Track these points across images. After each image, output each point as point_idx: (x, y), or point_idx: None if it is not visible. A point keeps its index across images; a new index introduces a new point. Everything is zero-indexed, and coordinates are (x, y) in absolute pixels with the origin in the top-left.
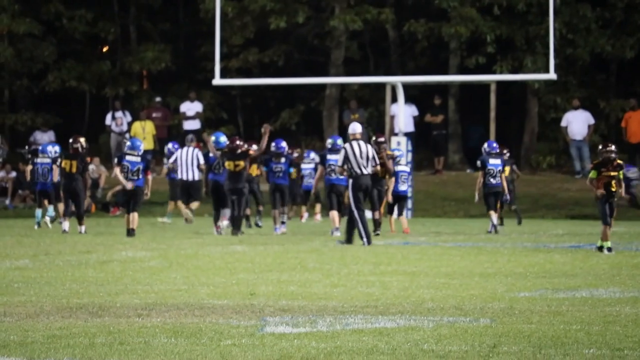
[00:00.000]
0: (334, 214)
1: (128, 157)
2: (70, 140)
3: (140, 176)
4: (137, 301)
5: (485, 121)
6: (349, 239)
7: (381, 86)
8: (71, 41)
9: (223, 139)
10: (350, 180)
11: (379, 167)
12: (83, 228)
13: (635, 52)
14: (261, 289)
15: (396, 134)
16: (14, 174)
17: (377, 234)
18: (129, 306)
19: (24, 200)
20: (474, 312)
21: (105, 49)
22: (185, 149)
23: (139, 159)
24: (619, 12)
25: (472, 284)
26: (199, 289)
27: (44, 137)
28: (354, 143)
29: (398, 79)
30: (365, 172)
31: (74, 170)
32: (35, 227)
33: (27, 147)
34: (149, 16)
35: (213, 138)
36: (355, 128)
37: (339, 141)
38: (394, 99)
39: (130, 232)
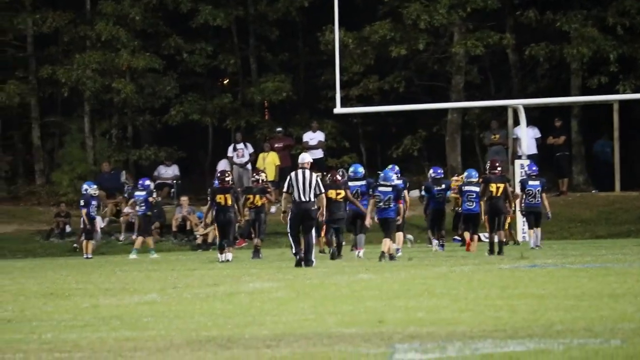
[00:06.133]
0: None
1: (380, 188)
2: (219, 175)
3: (392, 205)
4: (266, 332)
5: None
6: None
7: (503, 109)
8: (192, 75)
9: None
10: (291, 206)
11: (323, 195)
12: (230, 255)
13: None
14: (389, 316)
15: (519, 157)
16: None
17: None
18: (257, 337)
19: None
20: (605, 333)
21: (225, 82)
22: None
23: (390, 189)
24: None
25: (601, 305)
26: (326, 318)
27: (168, 171)
28: (299, 172)
29: (520, 102)
30: (304, 199)
31: (229, 203)
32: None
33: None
34: (268, 47)
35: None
36: (304, 158)
37: (360, 169)
38: (516, 122)
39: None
